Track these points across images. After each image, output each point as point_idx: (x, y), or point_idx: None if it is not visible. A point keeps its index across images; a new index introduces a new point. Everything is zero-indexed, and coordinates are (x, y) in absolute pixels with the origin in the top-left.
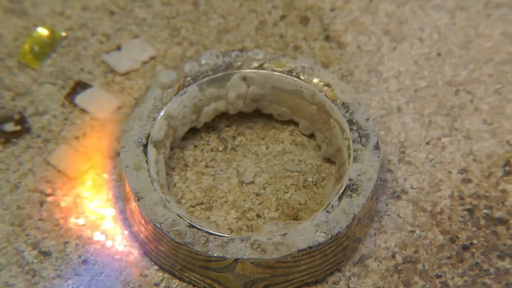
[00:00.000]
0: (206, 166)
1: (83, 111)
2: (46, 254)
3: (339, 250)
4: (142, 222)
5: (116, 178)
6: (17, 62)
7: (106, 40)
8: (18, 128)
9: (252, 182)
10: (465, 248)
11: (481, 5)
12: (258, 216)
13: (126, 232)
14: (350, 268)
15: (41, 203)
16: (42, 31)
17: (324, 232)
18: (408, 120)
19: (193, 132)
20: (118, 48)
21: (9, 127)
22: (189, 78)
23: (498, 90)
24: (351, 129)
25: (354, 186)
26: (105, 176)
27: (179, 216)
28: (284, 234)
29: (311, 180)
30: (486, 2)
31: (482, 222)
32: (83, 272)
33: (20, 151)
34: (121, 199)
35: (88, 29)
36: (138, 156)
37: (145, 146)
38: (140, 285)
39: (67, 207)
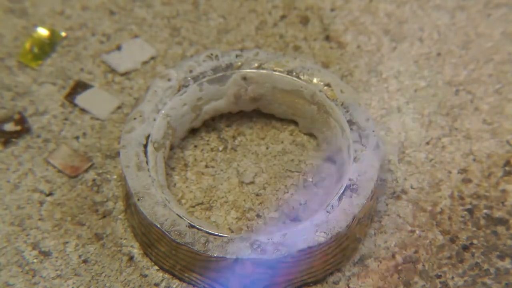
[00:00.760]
0: (206, 166)
1: (83, 111)
2: (46, 254)
3: (339, 250)
4: (142, 222)
5: (116, 178)
6: (17, 62)
7: (106, 40)
8: (18, 128)
9: (252, 182)
10: (465, 248)
11: (481, 5)
12: (258, 216)
13: (126, 232)
14: (350, 268)
15: (41, 203)
16: (42, 31)
17: (324, 232)
18: (408, 120)
19: (193, 132)
20: (118, 48)
21: (9, 127)
22: (189, 78)
23: (498, 90)
24: (351, 129)
25: (354, 186)
26: (105, 176)
27: (179, 216)
28: (284, 234)
29: (311, 180)
30: (486, 2)
31: (482, 222)
32: (83, 272)
33: (20, 151)
34: (121, 199)
35: (88, 29)
36: (138, 156)
37: (145, 146)
38: (140, 285)
39: (67, 207)
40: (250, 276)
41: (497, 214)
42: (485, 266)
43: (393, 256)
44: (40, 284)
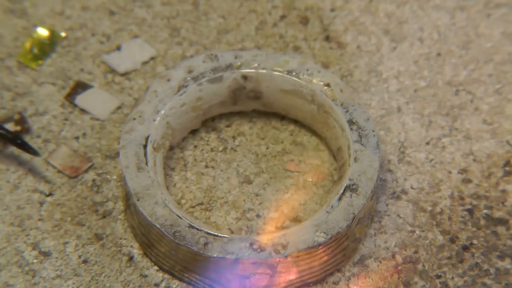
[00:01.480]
0: (206, 166)
1: (83, 111)
2: (46, 254)
3: (339, 250)
4: (142, 222)
5: (116, 178)
6: (17, 62)
7: (106, 40)
8: (18, 128)
9: (252, 182)
10: (465, 248)
11: (481, 5)
12: (258, 216)
13: (126, 232)
14: (350, 268)
15: (41, 203)
16: (42, 31)
17: (324, 232)
18: (408, 120)
19: (193, 132)
20: (118, 48)
21: (9, 127)
22: (188, 78)
23: (498, 90)
24: (351, 129)
25: (354, 186)
26: (105, 176)
27: (179, 216)
28: (284, 234)
29: (311, 180)
30: (486, 2)
31: (482, 222)
32: (83, 272)
33: (20, 151)
34: (121, 199)
35: (88, 29)
36: (137, 156)
37: (145, 146)
38: (140, 285)
39: (67, 208)
40: (250, 276)
41: (497, 214)
42: (485, 266)
43: (393, 256)
44: (40, 284)
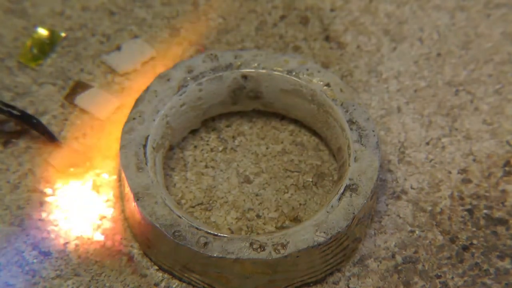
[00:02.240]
0: (206, 166)
1: (83, 111)
2: (46, 254)
3: (339, 250)
4: (142, 222)
5: (116, 178)
6: (17, 62)
7: (106, 40)
8: (18, 128)
9: (252, 182)
10: (465, 248)
11: (481, 5)
12: (258, 216)
13: (126, 232)
14: (350, 268)
15: (41, 203)
16: (42, 32)
17: (324, 232)
18: (408, 120)
19: (193, 132)
20: (118, 48)
21: (9, 127)
22: (188, 78)
23: (498, 90)
24: (351, 129)
25: (354, 186)
26: (105, 176)
27: (179, 216)
28: (284, 234)
29: (311, 180)
30: (486, 2)
31: (482, 222)
32: (83, 272)
33: (20, 151)
34: (120, 199)
35: (88, 29)
36: (137, 156)
37: (145, 146)
38: (139, 285)
39: (67, 207)
40: (250, 276)
41: (497, 214)
42: (485, 266)
43: (393, 256)
44: (40, 284)
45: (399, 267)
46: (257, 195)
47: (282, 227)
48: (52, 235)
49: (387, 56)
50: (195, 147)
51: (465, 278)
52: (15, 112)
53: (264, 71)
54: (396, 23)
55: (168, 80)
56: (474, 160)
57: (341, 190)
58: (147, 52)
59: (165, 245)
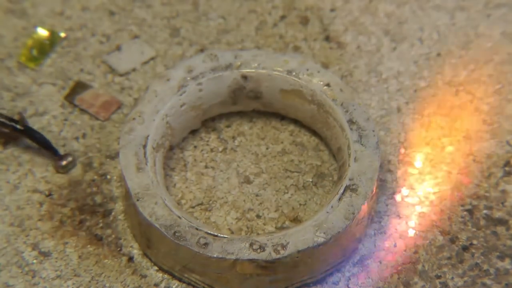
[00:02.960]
0: (206, 167)
1: (83, 111)
2: (45, 254)
3: (339, 250)
4: (142, 222)
5: (115, 179)
6: (17, 63)
7: (106, 41)
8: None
9: (252, 183)
10: (465, 248)
11: (481, 5)
12: (258, 216)
13: (126, 232)
14: (350, 268)
15: (41, 204)
16: (42, 32)
17: (324, 233)
18: (408, 120)
19: (193, 132)
20: (118, 48)
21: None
22: (188, 78)
23: (498, 90)
24: (350, 129)
25: (354, 186)
26: (105, 176)
27: (179, 216)
28: (284, 235)
29: (311, 180)
30: (486, 2)
31: (482, 222)
32: (83, 273)
33: (20, 152)
34: (120, 199)
35: (88, 30)
36: (137, 156)
37: (145, 146)
38: (139, 286)
39: (67, 207)
40: (250, 277)
41: (497, 214)
42: (485, 267)
43: (393, 257)
44: (40, 284)
45: (399, 267)
46: (257, 195)
47: (282, 228)
48: (52, 236)
49: (387, 56)
50: (195, 147)
51: (465, 279)
52: (18, 126)
53: (264, 71)
54: (396, 23)
55: (168, 80)
56: (474, 160)
57: (341, 191)
58: (147, 52)
59: (165, 245)
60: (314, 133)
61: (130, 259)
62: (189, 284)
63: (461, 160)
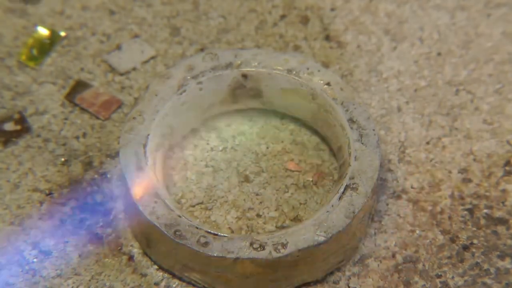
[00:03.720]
0: (206, 166)
1: (83, 110)
2: (46, 253)
3: (339, 249)
4: (142, 221)
5: (116, 178)
6: (17, 62)
7: (106, 40)
8: (18, 127)
9: (252, 182)
10: (465, 248)
11: (481, 5)
12: (258, 215)
13: (126, 231)
14: (350, 267)
15: (41, 203)
16: (42, 31)
17: (324, 232)
18: (408, 119)
19: (193, 131)
20: (118, 47)
21: (9, 126)
22: (188, 77)
23: (498, 90)
24: (351, 128)
25: (354, 185)
26: (105, 175)
27: (179, 215)
28: (284, 234)
29: (311, 180)
30: (486, 2)
31: (482, 222)
32: (83, 272)
33: (20, 151)
34: (120, 198)
35: (88, 29)
36: (137, 155)
37: (145, 145)
38: (139, 285)
39: (67, 206)
40: (250, 276)
41: (497, 214)
42: (485, 266)
43: (393, 256)
44: (40, 283)
45: (399, 267)
46: (257, 194)
47: (282, 227)
48: (52, 235)
49: (387, 56)
50: (195, 146)
51: (466, 278)
52: None
53: (264, 70)
54: (396, 22)
55: (168, 79)
56: (474, 159)
57: (342, 189)
58: (147, 51)
59: (165, 244)
60: (315, 132)
61: (130, 258)
62: (189, 283)
63: (461, 159)
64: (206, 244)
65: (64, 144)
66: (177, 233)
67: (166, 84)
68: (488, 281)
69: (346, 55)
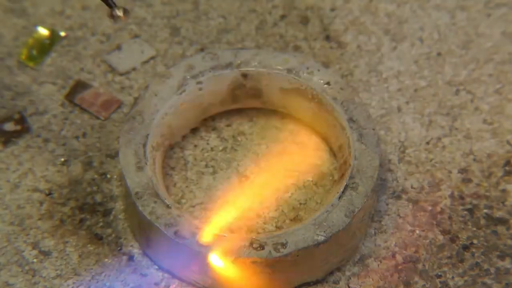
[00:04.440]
0: (206, 166)
1: (83, 110)
2: (46, 253)
3: (339, 249)
4: (142, 221)
5: (116, 178)
6: (17, 62)
7: (106, 40)
8: (18, 127)
9: (252, 182)
10: (465, 248)
11: (481, 5)
12: (258, 215)
13: (126, 231)
14: (350, 267)
15: (41, 203)
16: (42, 31)
17: (324, 232)
18: (408, 119)
19: (193, 131)
20: (118, 47)
21: (9, 126)
22: (188, 77)
23: (498, 90)
24: (351, 127)
25: (354, 185)
26: (105, 175)
27: (179, 215)
28: (284, 233)
29: (311, 179)
30: (486, 2)
31: (482, 222)
32: (83, 272)
33: (20, 151)
34: (121, 198)
35: (88, 29)
36: (137, 155)
37: (144, 145)
38: (139, 285)
39: (67, 206)
40: (250, 275)
41: (497, 214)
42: (485, 266)
43: (393, 256)
44: (40, 283)
45: (399, 267)
46: (257, 194)
47: (282, 227)
48: (52, 235)
49: (387, 56)
50: (195, 146)
51: (466, 278)
52: None
53: (264, 69)
54: (396, 22)
55: (168, 79)
56: (474, 159)
57: (341, 189)
58: (147, 52)
59: (165, 244)
60: (315, 132)
61: (130, 258)
62: (189, 283)
63: (461, 159)
64: (206, 244)
65: (64, 144)
66: (177, 233)
67: (166, 84)
68: (488, 281)
69: (346, 55)
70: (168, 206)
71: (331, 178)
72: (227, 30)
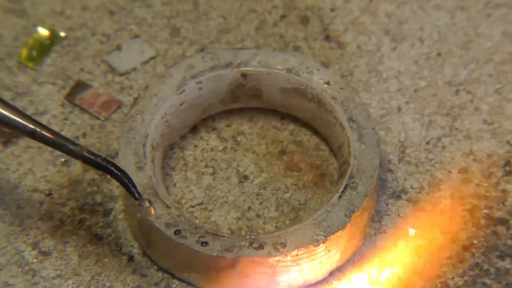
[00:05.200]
0: (206, 166)
1: (83, 110)
2: (46, 254)
3: (339, 249)
4: (142, 221)
5: None
6: (17, 62)
7: (106, 40)
8: None
9: (252, 182)
10: (465, 248)
11: (481, 5)
12: (258, 216)
13: (126, 232)
14: (350, 267)
15: (41, 203)
16: (42, 31)
17: (324, 231)
18: (408, 120)
19: (193, 131)
20: (118, 48)
21: None
22: (188, 77)
23: (498, 90)
24: (351, 127)
25: (354, 185)
26: (105, 176)
27: (179, 216)
28: (284, 233)
29: (311, 180)
30: (486, 2)
31: (482, 222)
32: (83, 272)
33: (20, 151)
34: (121, 199)
35: (88, 29)
36: (137, 155)
37: (144, 145)
38: (139, 285)
39: (67, 207)
40: (250, 276)
41: (497, 214)
42: (485, 266)
43: (393, 256)
44: (40, 284)
45: (399, 267)
46: (257, 194)
47: (282, 227)
48: (52, 235)
49: (387, 56)
50: (195, 146)
51: (465, 278)
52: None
53: (263, 69)
54: (396, 22)
55: (168, 79)
56: (474, 159)
57: (341, 189)
58: (147, 52)
59: (165, 244)
60: (314, 132)
61: (130, 258)
62: (189, 283)
63: (461, 159)
64: (205, 243)
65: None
66: (177, 233)
67: (166, 84)
68: (488, 281)
69: (346, 55)
70: (168, 206)
71: (331, 178)
72: (227, 30)
